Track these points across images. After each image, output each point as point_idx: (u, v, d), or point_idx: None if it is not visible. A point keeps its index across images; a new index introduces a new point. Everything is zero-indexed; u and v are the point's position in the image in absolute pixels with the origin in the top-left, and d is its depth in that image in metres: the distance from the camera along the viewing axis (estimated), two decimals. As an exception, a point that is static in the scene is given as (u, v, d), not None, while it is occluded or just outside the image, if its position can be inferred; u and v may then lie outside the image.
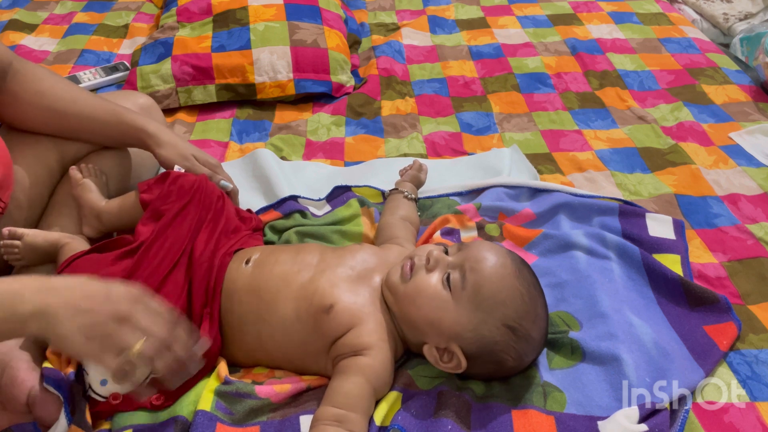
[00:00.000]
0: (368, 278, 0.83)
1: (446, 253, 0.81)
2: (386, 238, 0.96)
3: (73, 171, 0.98)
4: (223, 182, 1.02)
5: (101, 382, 0.74)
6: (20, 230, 0.92)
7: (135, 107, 1.07)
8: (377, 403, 0.75)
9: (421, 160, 1.27)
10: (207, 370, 0.79)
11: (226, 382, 0.78)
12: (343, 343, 0.77)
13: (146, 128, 1.00)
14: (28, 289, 0.62)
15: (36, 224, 0.98)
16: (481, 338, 0.75)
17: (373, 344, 0.76)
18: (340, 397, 0.72)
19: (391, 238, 0.96)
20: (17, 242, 0.91)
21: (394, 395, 0.76)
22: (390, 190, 1.08)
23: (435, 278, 0.77)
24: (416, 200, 1.07)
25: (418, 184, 1.10)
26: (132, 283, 0.68)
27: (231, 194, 1.04)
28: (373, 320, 0.78)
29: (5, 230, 0.91)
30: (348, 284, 0.81)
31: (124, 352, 0.63)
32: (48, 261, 0.93)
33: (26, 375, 0.76)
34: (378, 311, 0.80)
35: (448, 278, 0.77)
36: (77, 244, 0.92)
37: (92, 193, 0.96)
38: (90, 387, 0.75)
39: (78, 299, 0.63)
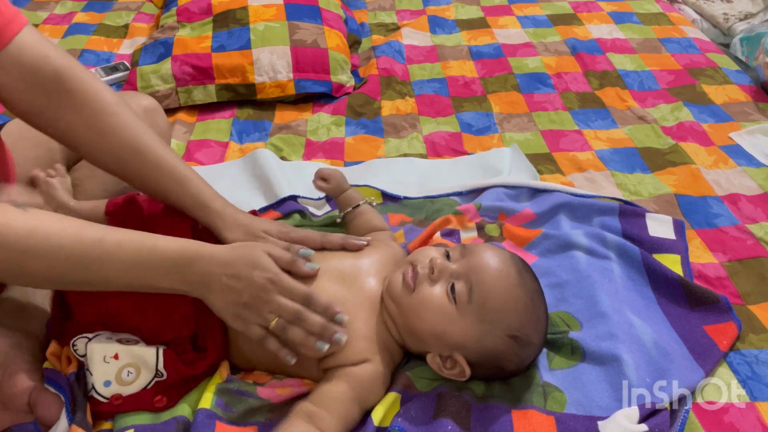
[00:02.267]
0: (359, 282, 0.81)
1: (448, 257, 0.79)
2: (366, 231, 0.94)
3: (36, 171, 0.92)
4: (302, 251, 0.81)
5: (104, 383, 0.74)
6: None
7: (139, 109, 1.01)
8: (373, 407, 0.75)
9: (421, 160, 1.28)
10: (209, 372, 0.79)
11: (228, 380, 0.78)
12: (333, 357, 0.76)
13: (211, 205, 0.85)
14: (201, 256, 0.74)
15: None
16: (484, 348, 0.75)
17: (368, 358, 0.76)
18: (318, 395, 0.73)
19: (371, 229, 0.94)
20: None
21: (393, 396, 0.76)
22: (342, 212, 1.00)
23: (439, 290, 0.76)
24: (370, 202, 1.00)
25: (346, 188, 1.01)
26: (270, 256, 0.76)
27: (326, 241, 0.87)
28: (363, 337, 0.77)
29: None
30: (338, 297, 0.78)
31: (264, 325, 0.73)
32: None
33: (27, 375, 0.76)
34: (370, 320, 0.78)
35: (452, 288, 0.76)
36: None
37: (58, 191, 0.91)
38: (93, 387, 0.75)
39: (229, 277, 0.73)
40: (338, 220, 1.00)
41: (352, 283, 0.81)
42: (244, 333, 0.75)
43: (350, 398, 0.73)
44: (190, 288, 0.74)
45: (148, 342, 0.78)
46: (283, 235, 0.86)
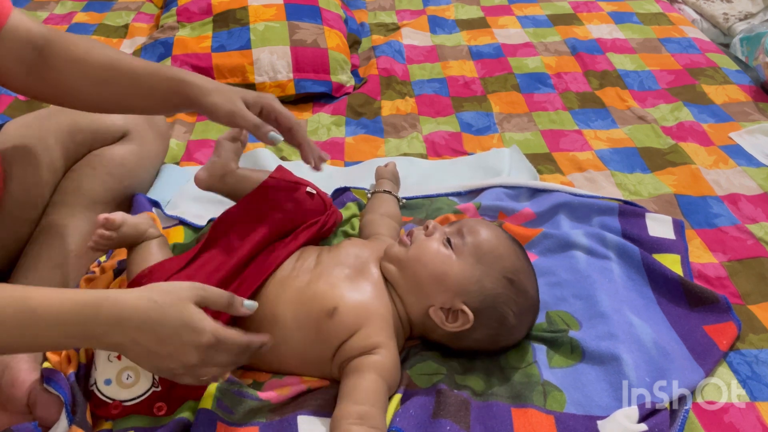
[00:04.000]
0: (366, 271, 0.83)
1: None
2: (368, 235, 0.97)
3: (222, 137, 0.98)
4: (271, 134, 0.86)
5: (105, 381, 0.75)
6: (118, 218, 0.86)
7: None
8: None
9: (421, 160, 1.28)
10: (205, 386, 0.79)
11: (228, 381, 0.78)
12: (351, 346, 0.76)
13: (187, 78, 0.87)
14: (103, 313, 0.62)
15: (37, 223, 0.98)
16: (484, 290, 0.79)
17: (383, 343, 0.76)
18: (360, 394, 0.72)
19: (372, 234, 0.96)
20: (113, 234, 0.86)
21: (396, 398, 0.76)
22: (372, 191, 1.09)
23: (435, 240, 0.82)
24: (397, 197, 1.09)
25: (396, 180, 1.13)
26: (208, 315, 0.67)
27: (294, 130, 0.91)
28: (379, 317, 0.79)
29: (101, 217, 0.85)
30: (348, 283, 0.81)
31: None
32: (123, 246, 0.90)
33: (27, 375, 0.76)
34: (382, 304, 0.80)
35: (448, 241, 0.82)
36: (153, 232, 0.90)
37: (230, 153, 0.96)
38: (95, 383, 0.75)
39: (151, 343, 0.63)
40: (368, 195, 1.09)
41: (359, 272, 0.83)
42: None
43: (385, 388, 0.74)
44: (92, 343, 0.67)
45: None
46: (256, 104, 0.88)
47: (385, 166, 1.14)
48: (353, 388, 0.73)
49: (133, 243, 0.89)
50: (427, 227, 0.84)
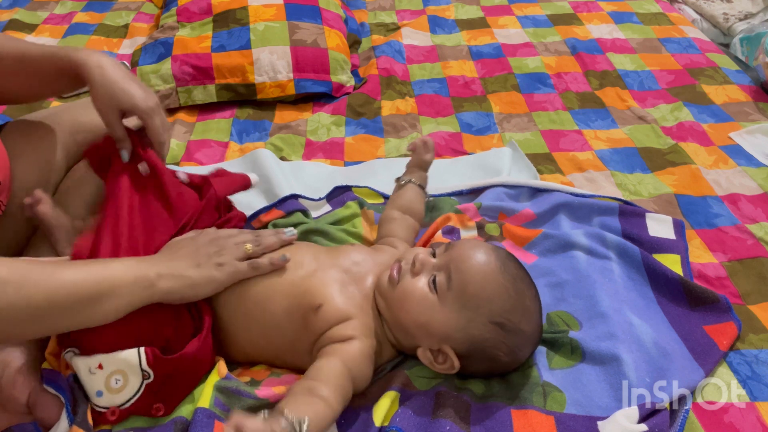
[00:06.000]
0: (360, 281, 0.83)
1: (434, 256, 0.81)
2: (383, 234, 0.96)
3: (28, 199, 0.92)
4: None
5: (97, 393, 0.74)
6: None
7: None
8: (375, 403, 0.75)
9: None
10: (205, 369, 0.79)
11: (226, 378, 0.78)
12: (326, 336, 0.78)
13: (77, 59, 0.84)
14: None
15: (38, 223, 0.98)
16: (470, 337, 0.76)
17: (355, 336, 0.77)
18: (313, 371, 0.73)
19: (386, 235, 0.95)
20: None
21: (392, 395, 0.76)
22: (397, 179, 1.03)
23: (422, 282, 0.78)
24: (425, 191, 1.02)
25: (425, 165, 1.03)
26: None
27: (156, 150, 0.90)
28: (359, 320, 0.79)
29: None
30: (339, 285, 0.81)
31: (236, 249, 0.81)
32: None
33: (27, 376, 0.76)
34: (366, 314, 0.80)
35: (434, 281, 0.77)
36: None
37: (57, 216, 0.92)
38: (88, 399, 0.75)
39: (169, 256, 0.79)
40: (401, 183, 1.02)
41: (354, 280, 0.83)
42: (232, 278, 0.80)
43: (343, 372, 0.73)
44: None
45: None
46: (134, 109, 0.87)
47: (414, 146, 1.03)
48: (314, 367, 0.74)
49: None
50: (414, 264, 0.79)
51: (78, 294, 0.70)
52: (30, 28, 1.78)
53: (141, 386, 0.74)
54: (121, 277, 0.72)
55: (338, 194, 1.12)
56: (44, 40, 1.73)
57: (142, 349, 0.75)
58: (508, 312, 0.76)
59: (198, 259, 0.79)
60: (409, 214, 0.97)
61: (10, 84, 0.91)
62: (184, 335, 0.79)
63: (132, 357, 0.74)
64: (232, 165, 1.25)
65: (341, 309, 0.79)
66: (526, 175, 1.22)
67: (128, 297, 0.73)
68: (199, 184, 0.94)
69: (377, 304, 0.81)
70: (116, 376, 0.74)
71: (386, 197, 1.14)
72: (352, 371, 0.74)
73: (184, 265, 0.77)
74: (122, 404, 0.74)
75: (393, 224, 0.96)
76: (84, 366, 0.74)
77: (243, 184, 0.99)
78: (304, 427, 0.64)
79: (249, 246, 0.82)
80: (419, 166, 1.02)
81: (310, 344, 0.79)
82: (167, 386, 0.75)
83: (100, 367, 0.74)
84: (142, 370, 0.74)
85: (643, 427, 0.72)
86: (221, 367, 0.80)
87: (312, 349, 0.79)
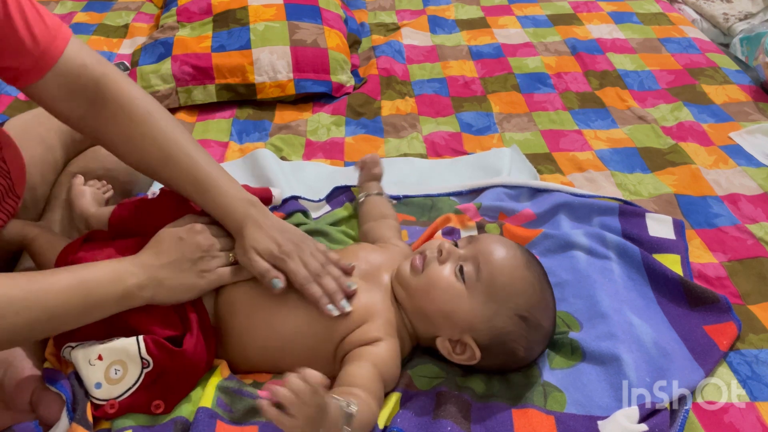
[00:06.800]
0: (376, 277, 0.84)
1: (456, 246, 0.81)
2: (374, 241, 0.95)
3: (77, 179, 0.96)
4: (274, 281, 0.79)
5: (95, 385, 0.74)
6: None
7: None
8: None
9: (421, 160, 1.28)
10: (202, 367, 0.79)
11: (228, 378, 0.78)
12: (351, 339, 0.77)
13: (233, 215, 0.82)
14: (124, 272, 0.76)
15: (38, 220, 0.98)
16: (494, 329, 0.76)
17: (382, 337, 0.77)
18: (351, 379, 0.72)
19: (378, 239, 0.95)
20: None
21: (395, 396, 0.76)
22: (358, 197, 1.05)
23: (448, 270, 0.78)
24: (388, 196, 1.06)
25: (378, 178, 1.07)
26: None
27: None
28: (383, 317, 0.79)
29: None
30: (359, 283, 0.81)
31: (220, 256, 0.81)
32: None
33: (29, 375, 0.76)
34: (388, 309, 0.80)
35: (461, 270, 0.78)
36: (49, 236, 0.90)
37: (84, 199, 0.94)
38: (87, 392, 0.75)
39: (153, 257, 0.78)
40: (360, 200, 1.04)
41: (370, 277, 0.83)
42: (214, 285, 0.80)
43: (376, 375, 0.73)
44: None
45: None
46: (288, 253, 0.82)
47: (361, 166, 1.07)
48: (345, 374, 0.73)
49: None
50: (441, 252, 0.79)
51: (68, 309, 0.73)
52: (30, 28, 1.78)
53: (140, 375, 0.74)
54: (105, 294, 0.74)
55: (338, 194, 1.12)
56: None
57: (141, 337, 0.75)
58: (532, 306, 0.77)
59: (182, 264, 0.78)
60: (383, 219, 0.99)
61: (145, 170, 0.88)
62: (173, 331, 0.78)
63: (131, 346, 0.74)
64: (233, 165, 1.25)
65: (364, 307, 0.79)
66: (526, 176, 1.22)
67: (112, 311, 0.75)
68: None
69: (396, 294, 0.81)
70: (116, 366, 0.74)
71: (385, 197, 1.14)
72: (382, 374, 0.74)
73: (165, 273, 0.77)
74: (121, 395, 0.74)
75: (378, 230, 0.96)
76: (84, 357, 0.74)
77: (266, 197, 0.95)
78: (354, 409, 0.64)
79: (232, 255, 0.81)
80: (372, 179, 1.06)
81: (333, 349, 0.79)
82: (166, 379, 0.75)
83: (100, 358, 0.74)
84: (142, 358, 0.74)
85: (643, 427, 0.72)
86: (224, 368, 0.80)
87: (334, 354, 0.79)
